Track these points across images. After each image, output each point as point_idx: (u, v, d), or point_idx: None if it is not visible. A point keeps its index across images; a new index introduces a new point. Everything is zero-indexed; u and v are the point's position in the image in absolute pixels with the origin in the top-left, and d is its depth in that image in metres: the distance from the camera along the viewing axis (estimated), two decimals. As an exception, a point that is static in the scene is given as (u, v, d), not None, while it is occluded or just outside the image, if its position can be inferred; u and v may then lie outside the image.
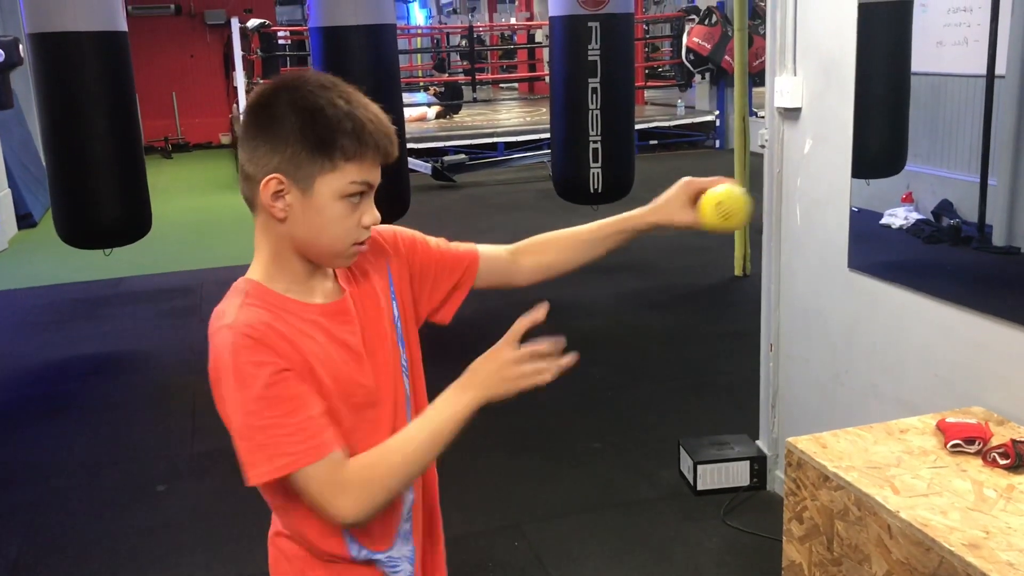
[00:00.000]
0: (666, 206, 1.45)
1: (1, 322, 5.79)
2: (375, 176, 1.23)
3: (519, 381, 1.21)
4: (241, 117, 1.25)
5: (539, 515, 3.13)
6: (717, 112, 12.07)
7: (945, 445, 2.00)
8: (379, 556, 1.31)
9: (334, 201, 1.20)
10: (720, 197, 1.41)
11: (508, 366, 1.21)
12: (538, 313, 1.22)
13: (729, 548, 2.87)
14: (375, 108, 1.22)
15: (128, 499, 3.39)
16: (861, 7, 2.53)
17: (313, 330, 1.23)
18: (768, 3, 2.93)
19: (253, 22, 11.36)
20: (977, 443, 1.97)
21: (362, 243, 1.25)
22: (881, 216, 2.57)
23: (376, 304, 1.33)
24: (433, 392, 1.29)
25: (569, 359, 1.22)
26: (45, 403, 4.39)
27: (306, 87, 1.20)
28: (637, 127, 11.57)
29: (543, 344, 1.21)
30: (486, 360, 1.22)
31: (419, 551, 1.38)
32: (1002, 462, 1.90)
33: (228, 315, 1.20)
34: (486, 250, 1.48)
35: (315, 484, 1.16)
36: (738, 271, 5.97)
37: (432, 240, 1.44)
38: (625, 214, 1.49)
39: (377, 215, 1.25)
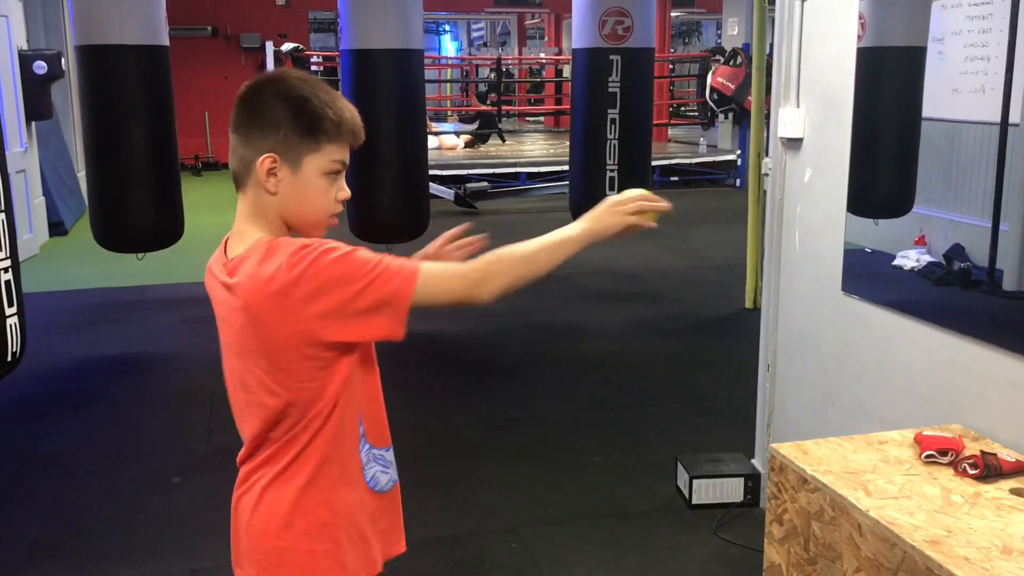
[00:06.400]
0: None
1: (31, 322, 5.92)
2: (347, 157, 1.44)
3: (628, 217, 1.48)
4: (234, 108, 1.44)
5: (537, 520, 3.24)
6: (739, 152, 12.19)
7: (920, 456, 2.11)
8: (383, 452, 1.53)
9: (318, 177, 1.41)
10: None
11: (618, 204, 1.48)
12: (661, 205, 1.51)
13: (717, 558, 2.97)
14: (347, 102, 1.43)
15: (145, 488, 3.53)
16: (860, 50, 2.66)
17: None
18: (775, 39, 3.08)
19: (287, 46, 11.65)
20: (950, 454, 2.08)
21: (335, 215, 1.46)
22: (894, 257, 2.63)
23: None
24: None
25: (669, 205, 1.49)
26: (70, 398, 4.57)
27: (289, 80, 1.40)
28: (660, 163, 11.79)
29: (647, 194, 1.48)
30: (601, 203, 1.49)
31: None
32: (971, 472, 2.00)
33: (280, 253, 1.33)
34: None
35: (449, 288, 1.36)
36: (749, 304, 6.07)
37: None
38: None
39: (348, 191, 1.46)
